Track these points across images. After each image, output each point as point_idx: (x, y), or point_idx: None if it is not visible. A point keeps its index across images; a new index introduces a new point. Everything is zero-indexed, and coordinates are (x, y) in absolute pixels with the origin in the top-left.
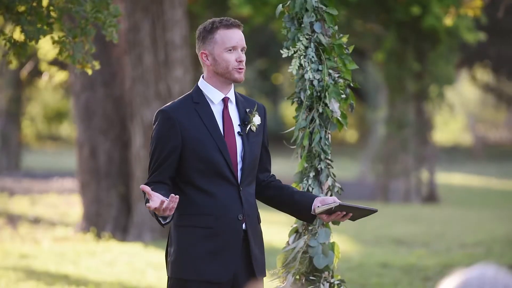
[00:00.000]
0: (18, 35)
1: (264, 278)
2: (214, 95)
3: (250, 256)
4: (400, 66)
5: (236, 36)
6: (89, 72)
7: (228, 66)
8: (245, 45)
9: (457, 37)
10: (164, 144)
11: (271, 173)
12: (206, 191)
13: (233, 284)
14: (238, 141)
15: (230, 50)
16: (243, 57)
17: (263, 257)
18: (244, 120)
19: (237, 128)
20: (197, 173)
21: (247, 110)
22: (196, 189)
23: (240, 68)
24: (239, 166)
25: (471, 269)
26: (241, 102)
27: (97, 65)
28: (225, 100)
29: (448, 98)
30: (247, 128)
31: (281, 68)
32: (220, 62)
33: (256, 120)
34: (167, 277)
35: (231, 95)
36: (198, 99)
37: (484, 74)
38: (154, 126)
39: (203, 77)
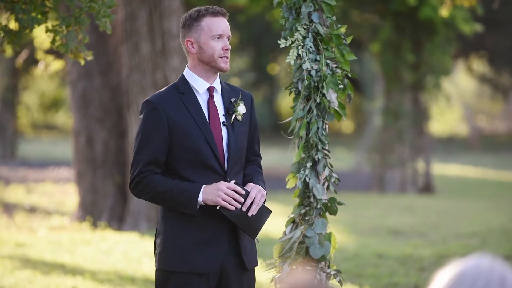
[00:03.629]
0: (12, 24)
1: (261, 268)
2: (199, 84)
3: (239, 247)
4: (397, 56)
5: (223, 24)
6: (82, 62)
7: (214, 54)
8: (230, 34)
9: (454, 28)
10: (154, 134)
11: (256, 162)
12: (191, 181)
13: (221, 275)
14: (224, 131)
15: (217, 38)
16: (229, 46)
17: (253, 247)
18: (229, 110)
19: (222, 118)
20: (184, 164)
21: (232, 99)
22: (183, 180)
23: (226, 57)
24: (225, 156)
25: (466, 259)
26: (226, 92)
27: (90, 55)
28: (210, 90)
29: (444, 89)
30: (232, 118)
31: (276, 58)
32: (206, 50)
33: (241, 109)
34: (155, 268)
35: (216, 84)
36: (184, 89)
37: (480, 65)
38: (140, 117)
39: (188, 67)
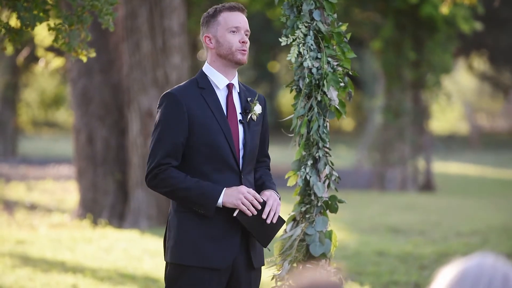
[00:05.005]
0: (14, 22)
1: (262, 266)
2: (218, 80)
3: (248, 245)
4: (398, 54)
5: (240, 18)
6: (84, 59)
7: (232, 47)
8: (248, 29)
9: (455, 26)
10: (174, 126)
11: (265, 164)
12: (208, 177)
13: (232, 271)
14: (240, 128)
15: (234, 31)
16: (247, 39)
17: (261, 246)
18: (246, 109)
19: (239, 116)
20: (201, 159)
21: (249, 99)
22: (199, 175)
23: (243, 50)
24: (241, 154)
25: (469, 258)
26: (243, 91)
27: (92, 53)
28: (229, 86)
29: (445, 87)
30: (248, 117)
31: (277, 55)
32: (223, 43)
33: (257, 109)
34: (165, 262)
35: (235, 82)
36: (203, 84)
37: (480, 63)
38: (159, 109)
39: (207, 62)
